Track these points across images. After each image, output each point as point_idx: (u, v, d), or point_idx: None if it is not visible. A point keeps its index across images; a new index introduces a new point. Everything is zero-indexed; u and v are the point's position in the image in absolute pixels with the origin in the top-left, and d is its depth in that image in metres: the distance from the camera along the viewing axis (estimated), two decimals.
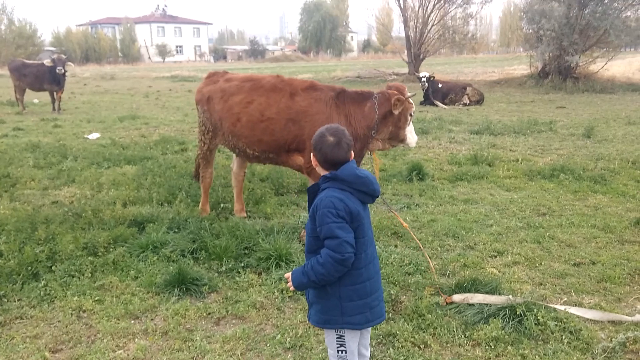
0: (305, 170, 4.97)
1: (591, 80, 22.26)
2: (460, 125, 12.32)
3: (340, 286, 2.53)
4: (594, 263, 4.46)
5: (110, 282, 4.11)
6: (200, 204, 5.82)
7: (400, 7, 27.16)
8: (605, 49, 22.66)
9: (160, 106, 17.74)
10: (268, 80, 5.10)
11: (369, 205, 2.68)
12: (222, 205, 5.95)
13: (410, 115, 4.94)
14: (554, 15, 19.76)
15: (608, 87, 21.36)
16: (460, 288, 3.76)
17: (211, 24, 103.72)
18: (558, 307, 3.57)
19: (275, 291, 3.95)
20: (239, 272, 4.28)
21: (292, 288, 2.61)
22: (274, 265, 4.34)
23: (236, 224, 5.01)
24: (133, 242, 4.76)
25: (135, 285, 4.08)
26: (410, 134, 5.03)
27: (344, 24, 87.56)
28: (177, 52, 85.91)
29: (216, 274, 4.29)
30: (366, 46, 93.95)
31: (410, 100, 4.87)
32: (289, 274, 2.63)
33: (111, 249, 4.61)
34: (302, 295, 3.79)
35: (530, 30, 22.92)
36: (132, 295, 3.92)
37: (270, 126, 4.89)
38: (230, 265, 4.37)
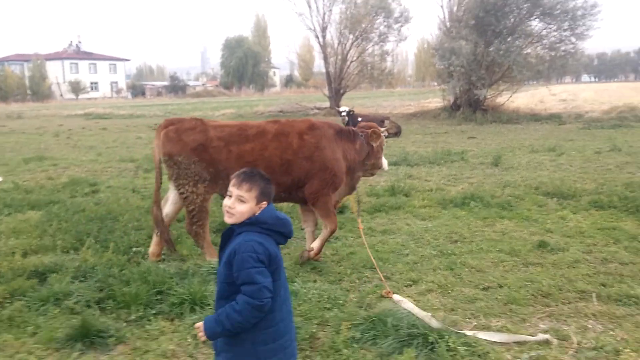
0: (310, 200, 5.34)
1: (498, 112, 23.83)
2: None
3: (255, 331, 2.45)
4: (501, 286, 4.66)
5: (5, 340, 3.76)
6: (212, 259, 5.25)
7: (320, 44, 27.99)
8: (509, 83, 24.40)
9: (71, 146, 16.94)
10: (271, 126, 5.34)
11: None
12: (134, 249, 5.69)
13: (384, 146, 5.86)
14: (462, 52, 21.09)
15: (514, 117, 22.94)
16: (375, 320, 3.77)
17: (128, 59, 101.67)
18: (467, 332, 3.68)
19: (189, 338, 3.78)
20: (149, 320, 4.07)
21: (203, 338, 2.48)
22: (188, 310, 4.17)
23: (148, 269, 4.78)
24: (33, 295, 4.40)
25: (32, 342, 3.75)
26: (384, 161, 5.91)
27: (266, 59, 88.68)
28: (92, 89, 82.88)
29: (124, 324, 4.04)
30: (289, 81, 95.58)
31: (383, 134, 5.80)
32: (199, 324, 2.49)
33: (7, 304, 4.25)
34: None
35: (442, 66, 24.29)
36: (28, 353, 3.60)
37: (289, 167, 5.20)
38: (140, 314, 4.14)
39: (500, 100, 25.30)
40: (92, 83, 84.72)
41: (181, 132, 5.24)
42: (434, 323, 3.77)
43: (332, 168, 5.30)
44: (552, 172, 10.23)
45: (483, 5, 20.85)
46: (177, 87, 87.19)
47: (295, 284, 4.63)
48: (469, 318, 4.07)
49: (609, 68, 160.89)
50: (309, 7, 27.27)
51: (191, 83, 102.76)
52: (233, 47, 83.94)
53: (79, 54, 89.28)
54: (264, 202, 2.52)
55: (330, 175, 5.29)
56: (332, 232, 5.48)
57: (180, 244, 5.90)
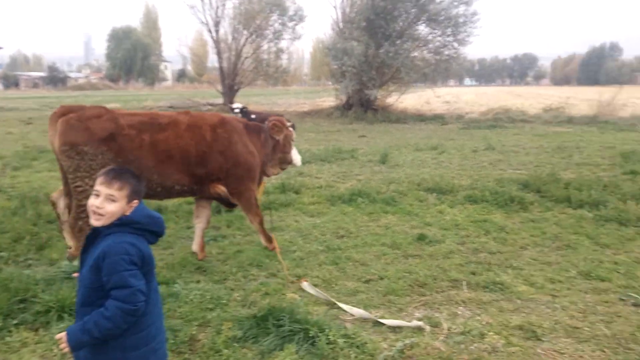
0: (233, 197, 5.37)
1: (388, 112, 24.86)
2: None
3: (125, 336, 2.32)
4: (381, 278, 4.84)
5: None
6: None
7: (213, 39, 27.36)
8: (398, 84, 25.55)
9: None
10: (183, 117, 5.19)
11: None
12: None
13: (292, 140, 5.96)
14: (354, 53, 21.71)
15: (402, 117, 24.05)
16: (257, 318, 3.74)
17: (1, 47, 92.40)
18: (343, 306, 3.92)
19: (54, 348, 3.50)
20: (10, 332, 3.71)
21: (66, 349, 2.29)
22: (55, 319, 3.85)
23: (10, 275, 4.36)
24: None
25: None
26: (296, 155, 6.06)
27: (157, 52, 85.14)
28: None
29: None
30: (181, 76, 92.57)
31: (290, 128, 5.92)
32: (61, 335, 2.29)
33: None
34: None
35: (335, 66, 24.84)
36: None
37: (204, 159, 5.12)
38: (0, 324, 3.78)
39: (390, 100, 26.42)
40: None
41: (86, 119, 4.77)
42: (344, 307, 4.08)
43: (246, 162, 5.34)
44: (434, 169, 10.84)
45: (374, 8, 21.62)
46: (56, 79, 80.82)
47: (177, 285, 4.47)
48: None
49: (488, 73, 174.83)
50: (201, 0, 26.59)
51: (73, 75, 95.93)
52: (120, 37, 79.56)
53: None
54: (135, 201, 2.39)
55: (245, 169, 5.34)
56: (260, 222, 5.58)
57: (50, 248, 5.46)
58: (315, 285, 4.67)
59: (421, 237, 6.06)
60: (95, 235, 2.40)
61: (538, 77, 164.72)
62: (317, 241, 6.04)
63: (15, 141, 15.12)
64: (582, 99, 32.20)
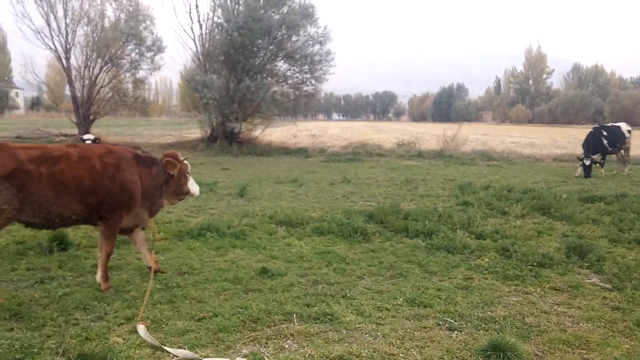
0: (102, 219, 5.47)
1: (253, 145, 25.10)
2: None
3: None
4: (215, 315, 4.78)
5: None
6: None
7: (63, 66, 25.66)
8: (262, 118, 25.97)
9: None
10: (73, 149, 5.34)
11: None
12: None
13: (188, 173, 6.24)
14: (214, 86, 21.71)
15: (267, 150, 24.41)
16: None
17: None
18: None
19: None
20: None
21: None
22: None
23: None
24: None
25: None
26: (193, 186, 6.34)
27: (6, 78, 77.67)
28: None
29: None
30: (35, 104, 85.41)
31: (185, 162, 6.19)
32: None
33: None
34: None
35: (198, 98, 24.59)
36: None
37: (96, 188, 5.28)
38: None
39: (256, 133, 26.72)
40: None
41: None
42: (169, 349, 4.03)
43: (130, 190, 5.52)
44: (290, 202, 11.08)
45: (232, 43, 21.92)
46: None
47: None
48: None
49: (354, 108, 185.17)
50: (49, 25, 24.86)
51: None
52: None
53: None
54: None
55: (127, 197, 5.51)
56: (109, 255, 5.58)
57: None
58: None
59: (264, 271, 6.12)
60: None
61: (398, 114, 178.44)
62: (156, 279, 5.82)
63: None
64: (433, 134, 35.33)
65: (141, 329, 4.36)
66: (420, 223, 8.57)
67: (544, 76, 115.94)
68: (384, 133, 46.38)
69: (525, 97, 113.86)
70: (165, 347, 4.05)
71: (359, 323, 4.76)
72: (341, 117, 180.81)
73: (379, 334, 4.54)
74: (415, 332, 4.60)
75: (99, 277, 5.51)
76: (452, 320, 4.85)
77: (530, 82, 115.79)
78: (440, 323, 4.81)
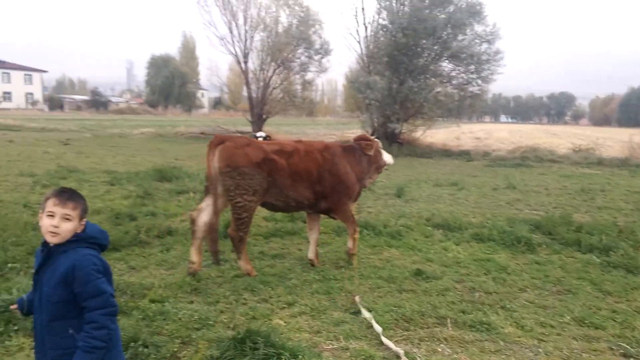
0: (332, 211, 6.47)
1: (413, 146, 24.91)
2: None
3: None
4: (369, 311, 4.89)
5: None
6: (245, 264, 5.89)
7: (242, 69, 28.16)
8: (423, 119, 25.66)
9: None
10: (299, 144, 6.32)
11: None
12: (9, 265, 5.46)
13: (381, 148, 6.96)
14: (377, 87, 22.02)
15: (427, 152, 24.05)
16: (236, 340, 3.85)
17: (46, 71, 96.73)
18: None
19: None
20: (10, 336, 3.99)
21: None
22: None
23: (17, 284, 4.63)
24: None
25: None
26: (387, 157, 7.05)
27: (194, 80, 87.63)
28: (5, 99, 78.42)
29: None
30: (217, 103, 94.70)
31: (376, 139, 6.94)
32: None
33: None
34: None
35: (361, 99, 25.16)
36: None
37: (321, 179, 6.20)
38: (0, 329, 4.03)
39: (417, 134, 26.49)
40: (4, 93, 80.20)
41: (242, 146, 5.81)
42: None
43: (346, 181, 6.35)
44: (449, 206, 10.82)
45: (396, 44, 21.96)
46: (98, 102, 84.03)
47: (167, 304, 4.64)
48: (330, 340, 4.26)
49: (524, 110, 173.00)
50: (231, 32, 27.55)
51: (114, 99, 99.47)
52: (159, 65, 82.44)
53: None
54: (84, 219, 2.61)
55: (345, 187, 6.34)
56: (356, 231, 6.55)
57: None
58: (302, 314, 4.78)
59: (419, 273, 6.09)
60: (48, 254, 2.58)
61: (576, 117, 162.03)
62: (315, 270, 6.14)
63: (50, 160, 15.79)
64: (618, 140, 31.55)
65: (357, 299, 5.04)
66: (596, 237, 7.77)
67: None
68: (558, 137, 42.74)
69: None
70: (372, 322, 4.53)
71: (519, 336, 4.50)
72: (510, 120, 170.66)
73: (540, 350, 4.25)
74: (583, 354, 4.22)
75: (349, 244, 6.56)
76: (628, 347, 4.34)
77: None
78: (614, 348, 4.35)
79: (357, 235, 6.58)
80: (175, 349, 3.87)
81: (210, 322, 4.40)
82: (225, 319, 4.55)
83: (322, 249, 7.15)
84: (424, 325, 4.64)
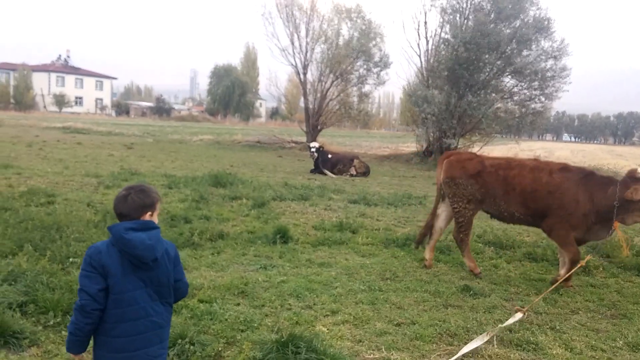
0: (546, 231, 6.49)
1: None
2: (341, 194, 12.91)
3: (96, 334, 2.70)
4: (413, 323, 4.88)
5: None
6: (468, 262, 6.81)
7: (300, 80, 28.60)
8: (480, 135, 25.16)
9: (41, 157, 16.93)
10: (530, 162, 6.70)
11: None
12: (70, 259, 5.81)
13: None
14: (434, 101, 21.82)
15: None
16: (278, 343, 3.95)
17: (115, 78, 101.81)
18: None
19: None
20: (66, 326, 4.20)
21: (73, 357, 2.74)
22: None
23: (76, 279, 4.90)
24: None
25: None
26: None
27: (254, 90, 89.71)
28: (76, 104, 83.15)
29: (41, 328, 4.19)
30: (274, 113, 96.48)
31: None
32: None
33: None
34: None
35: (418, 112, 24.99)
36: None
37: (536, 195, 6.31)
38: (58, 319, 4.29)
39: (473, 150, 26.00)
40: (76, 98, 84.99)
41: (463, 161, 6.82)
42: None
43: (568, 207, 6.16)
44: (500, 224, 10.50)
45: (457, 59, 21.69)
46: (161, 109, 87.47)
47: (215, 304, 4.80)
48: (372, 350, 4.28)
49: (589, 130, 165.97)
50: (292, 43, 28.04)
51: (177, 106, 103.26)
52: (221, 75, 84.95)
53: (66, 68, 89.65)
54: (145, 214, 2.76)
55: (565, 212, 6.17)
56: (572, 261, 6.14)
57: None
58: (345, 322, 4.82)
59: (466, 289, 6.01)
60: None
61: None
62: (361, 280, 6.17)
63: (114, 163, 16.61)
64: None
65: (518, 315, 4.88)
66: None
67: None
68: (624, 158, 40.75)
69: None
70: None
71: (567, 358, 4.38)
72: (573, 139, 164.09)
73: None
74: None
75: (561, 273, 6.28)
76: None
77: None
78: None
79: (570, 263, 6.13)
80: (220, 349, 4.01)
81: (255, 325, 4.53)
82: (269, 322, 4.66)
83: (368, 259, 7.18)
84: (468, 341, 4.58)
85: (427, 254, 6.98)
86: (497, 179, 6.54)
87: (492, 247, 8.17)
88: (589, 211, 6.11)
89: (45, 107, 77.09)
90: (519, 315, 4.87)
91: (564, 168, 6.46)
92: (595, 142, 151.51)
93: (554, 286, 5.94)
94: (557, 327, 5.08)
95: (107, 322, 2.64)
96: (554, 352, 4.48)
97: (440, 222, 7.11)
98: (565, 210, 6.16)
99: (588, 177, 6.31)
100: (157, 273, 2.73)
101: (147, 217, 2.73)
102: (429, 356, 4.25)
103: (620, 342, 4.83)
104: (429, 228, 7.18)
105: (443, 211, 7.11)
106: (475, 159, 6.84)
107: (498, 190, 6.54)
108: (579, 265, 5.93)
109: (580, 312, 5.63)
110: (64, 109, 76.24)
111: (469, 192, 6.68)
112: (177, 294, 2.88)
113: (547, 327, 5.09)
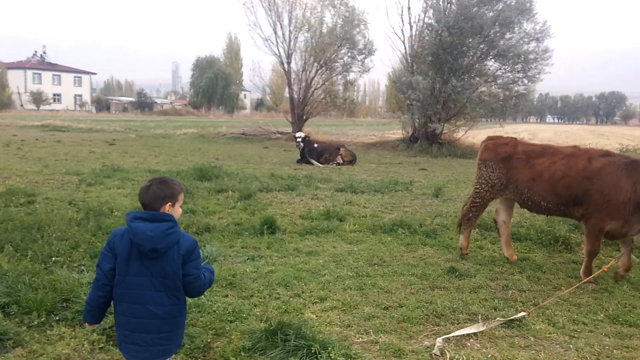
0: (583, 219, 6.01)
1: (454, 146, 24.53)
2: (327, 183, 12.94)
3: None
4: (400, 306, 4.94)
5: None
6: (462, 241, 6.92)
7: (284, 70, 28.44)
8: (465, 119, 25.25)
9: (20, 156, 16.66)
10: (567, 148, 6.43)
11: None
12: (53, 258, 5.76)
13: None
14: (419, 87, 21.83)
15: (468, 152, 23.65)
16: (267, 331, 3.97)
17: (95, 73, 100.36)
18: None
19: (85, 343, 3.92)
20: (51, 326, 4.20)
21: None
22: None
23: (59, 277, 4.89)
24: None
25: None
26: None
27: (237, 82, 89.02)
28: (55, 101, 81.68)
29: (25, 328, 4.16)
30: (259, 104, 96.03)
31: None
32: None
33: None
34: (114, 346, 3.82)
35: (403, 99, 24.99)
36: None
37: (568, 183, 5.98)
38: (42, 319, 4.27)
39: (458, 135, 26.11)
40: (54, 95, 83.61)
41: (497, 145, 6.79)
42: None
43: (607, 194, 5.73)
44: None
45: (441, 43, 21.68)
46: (143, 104, 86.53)
47: (202, 297, 4.80)
48: (361, 333, 4.33)
49: (572, 111, 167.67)
50: (275, 33, 27.80)
51: (159, 101, 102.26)
52: (204, 67, 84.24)
53: (42, 65, 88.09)
54: (165, 205, 2.93)
55: (604, 200, 5.74)
56: (590, 253, 5.97)
57: None
58: (334, 308, 4.86)
59: (452, 270, 6.08)
60: None
61: (626, 117, 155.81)
62: (349, 267, 6.21)
63: (96, 160, 16.42)
64: None
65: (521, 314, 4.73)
66: (637, 237, 7.53)
67: None
68: (605, 138, 41.31)
69: None
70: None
71: (550, 333, 4.47)
72: (556, 120, 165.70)
73: (571, 346, 4.21)
74: (615, 350, 4.17)
75: (582, 271, 6.02)
76: None
77: None
78: None
79: (589, 257, 5.95)
80: (209, 340, 4.03)
81: (244, 315, 4.54)
82: (258, 312, 4.68)
83: (356, 246, 7.22)
84: (455, 321, 4.66)
85: (506, 252, 6.78)
86: (525, 165, 6.38)
87: (477, 229, 8.25)
88: (628, 200, 5.64)
89: (22, 105, 75.74)
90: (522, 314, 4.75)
91: (606, 154, 6.13)
92: (578, 122, 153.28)
93: (582, 282, 5.71)
94: (541, 304, 5.16)
95: (114, 299, 2.91)
96: (537, 327, 4.57)
97: (502, 216, 6.98)
98: (604, 196, 5.74)
99: (633, 164, 5.82)
100: (161, 264, 2.86)
101: (167, 207, 2.90)
102: (416, 337, 4.31)
103: (602, 315, 4.94)
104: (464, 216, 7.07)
105: (499, 205, 7.05)
106: (510, 143, 6.72)
107: (524, 177, 6.35)
108: (601, 270, 5.65)
109: (562, 288, 5.73)
110: (42, 107, 74.89)
111: (495, 175, 6.64)
112: (188, 289, 2.97)
113: (531, 303, 5.19)
